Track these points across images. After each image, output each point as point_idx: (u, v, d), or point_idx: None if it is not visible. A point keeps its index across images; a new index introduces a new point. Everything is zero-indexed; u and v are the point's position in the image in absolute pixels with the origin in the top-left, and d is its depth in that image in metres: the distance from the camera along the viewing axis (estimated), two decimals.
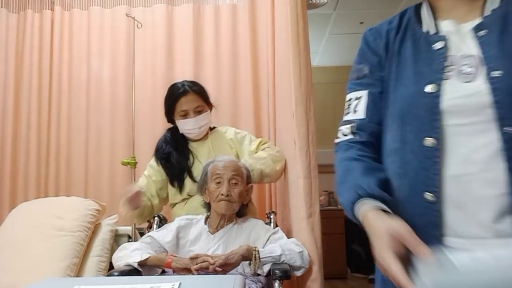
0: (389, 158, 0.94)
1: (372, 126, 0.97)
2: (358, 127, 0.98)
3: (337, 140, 1.02)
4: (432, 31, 0.92)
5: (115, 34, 2.93)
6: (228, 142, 2.14)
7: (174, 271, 1.61)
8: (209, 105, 2.13)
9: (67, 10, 2.98)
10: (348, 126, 0.99)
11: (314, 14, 3.90)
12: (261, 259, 1.61)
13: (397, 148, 0.91)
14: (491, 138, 0.80)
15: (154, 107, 2.75)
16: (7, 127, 2.83)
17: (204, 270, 1.55)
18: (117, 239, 2.31)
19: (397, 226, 0.78)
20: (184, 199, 2.08)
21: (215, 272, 1.54)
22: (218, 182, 1.77)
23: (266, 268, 1.63)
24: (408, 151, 0.89)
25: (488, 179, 0.80)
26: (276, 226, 1.99)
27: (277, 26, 2.54)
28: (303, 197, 1.88)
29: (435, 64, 0.88)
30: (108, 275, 1.74)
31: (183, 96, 2.03)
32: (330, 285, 4.36)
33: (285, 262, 1.65)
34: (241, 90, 2.83)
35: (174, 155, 2.09)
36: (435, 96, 0.85)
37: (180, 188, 2.06)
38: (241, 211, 1.84)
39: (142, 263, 1.61)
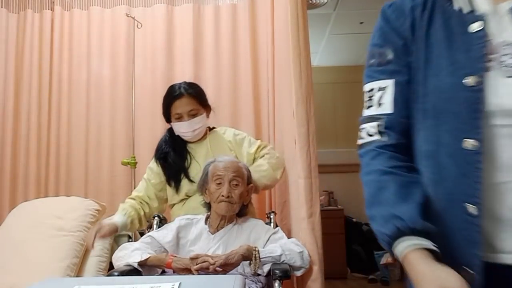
0: (422, 162, 0.82)
1: (402, 123, 0.83)
2: (387, 125, 0.83)
3: (360, 141, 0.87)
4: (466, 9, 0.78)
5: (115, 34, 2.93)
6: (226, 143, 2.13)
7: (174, 271, 1.61)
8: (206, 108, 2.11)
9: (67, 10, 2.98)
10: (374, 124, 0.84)
11: (314, 14, 3.90)
12: (261, 259, 1.61)
13: (431, 151, 0.79)
14: None
15: (154, 107, 2.75)
16: (7, 127, 2.83)
17: (204, 270, 1.55)
18: (117, 239, 2.31)
19: (451, 283, 0.65)
20: (182, 200, 2.08)
21: (215, 272, 1.54)
22: (219, 183, 1.77)
23: (266, 268, 1.63)
24: (444, 154, 0.77)
25: None
26: (276, 226, 1.99)
27: (277, 26, 2.54)
28: (304, 197, 1.87)
29: (473, 50, 0.74)
30: (108, 275, 1.74)
31: (177, 99, 2.03)
32: (330, 285, 4.36)
33: (285, 262, 1.65)
34: (241, 90, 2.83)
35: (172, 155, 2.09)
36: (477, 91, 0.73)
37: (177, 188, 2.06)
38: (241, 211, 1.84)
39: (142, 263, 1.61)
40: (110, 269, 1.90)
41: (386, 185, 0.79)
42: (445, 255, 0.71)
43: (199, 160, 2.07)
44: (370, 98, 0.87)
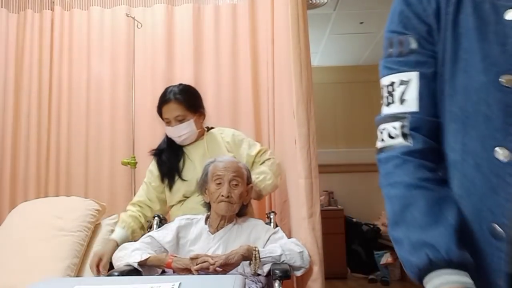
0: (448, 173, 0.72)
1: (430, 123, 0.72)
2: (412, 125, 0.71)
3: (380, 145, 0.75)
4: None
5: (115, 34, 2.93)
6: (224, 144, 2.13)
7: (174, 271, 1.61)
8: (197, 113, 2.08)
9: (67, 10, 2.98)
10: (397, 124, 0.72)
11: (314, 14, 3.90)
12: (261, 259, 1.61)
13: (456, 160, 0.70)
14: None
15: (154, 107, 2.73)
16: (7, 127, 2.83)
17: (204, 270, 1.55)
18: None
19: None
20: (180, 201, 2.09)
21: (215, 272, 1.54)
22: (219, 183, 1.77)
23: (266, 268, 1.63)
24: (471, 165, 0.67)
25: None
26: (276, 226, 1.99)
27: (277, 26, 2.54)
28: (304, 197, 1.87)
29: (509, 44, 0.64)
30: (108, 275, 1.74)
31: (165, 104, 2.03)
32: (330, 285, 4.36)
33: (285, 262, 1.65)
34: (241, 90, 2.83)
35: (167, 152, 2.10)
36: None
37: (170, 186, 2.07)
38: (241, 211, 1.84)
39: (142, 263, 1.61)
40: (110, 269, 1.90)
41: (414, 202, 0.67)
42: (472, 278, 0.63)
43: (195, 161, 2.07)
44: (390, 93, 0.74)
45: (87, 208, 2.24)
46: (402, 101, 0.73)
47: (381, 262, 4.60)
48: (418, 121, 0.71)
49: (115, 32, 2.93)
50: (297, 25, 1.98)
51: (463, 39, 0.69)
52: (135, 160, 2.60)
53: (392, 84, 0.75)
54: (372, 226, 4.96)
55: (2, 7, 2.90)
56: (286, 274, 1.58)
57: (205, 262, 1.55)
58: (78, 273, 2.09)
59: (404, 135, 0.71)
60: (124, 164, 2.61)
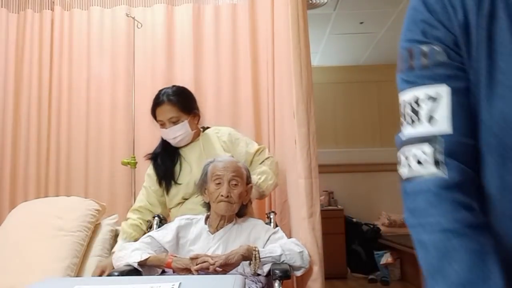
0: (483, 204, 0.63)
1: (466, 146, 0.62)
2: (447, 150, 0.61)
3: (407, 173, 0.64)
4: None
5: (115, 34, 2.93)
6: (221, 144, 2.12)
7: (174, 271, 1.61)
8: (190, 114, 2.07)
9: (67, 10, 2.98)
10: (427, 148, 0.61)
11: (314, 14, 3.90)
12: (261, 259, 1.61)
13: (494, 195, 0.61)
14: None
15: None
16: (7, 127, 2.83)
17: (204, 270, 1.55)
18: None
19: None
20: (179, 203, 2.08)
21: (215, 272, 1.54)
22: (218, 183, 1.77)
23: (266, 268, 1.63)
24: (509, 202, 0.60)
25: None
26: (276, 226, 1.99)
27: (277, 26, 2.54)
28: (304, 197, 1.88)
29: None
30: (108, 275, 1.74)
31: (158, 107, 2.02)
32: (330, 285, 4.36)
33: (285, 262, 1.65)
34: (241, 90, 2.83)
35: (162, 156, 2.10)
36: None
37: (167, 190, 2.07)
38: (241, 211, 1.84)
39: (142, 263, 1.61)
40: None
41: (455, 254, 0.58)
42: None
43: (192, 163, 2.07)
44: (415, 110, 0.64)
45: (87, 208, 2.24)
46: (430, 119, 0.62)
47: (381, 262, 4.60)
48: (452, 145, 0.61)
49: (115, 32, 2.93)
50: (297, 25, 1.98)
51: (499, 59, 0.60)
52: (135, 160, 2.60)
53: (416, 100, 0.64)
54: (372, 226, 4.96)
55: (2, 7, 2.90)
56: (286, 274, 1.58)
57: (205, 262, 1.55)
58: (78, 273, 2.09)
59: (437, 163, 0.61)
60: (124, 164, 2.61)
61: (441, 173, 0.60)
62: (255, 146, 2.16)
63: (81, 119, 2.88)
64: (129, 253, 1.66)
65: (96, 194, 2.71)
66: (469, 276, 0.56)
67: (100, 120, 2.87)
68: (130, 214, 2.10)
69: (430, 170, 0.61)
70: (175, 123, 2.02)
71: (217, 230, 1.78)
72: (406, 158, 0.64)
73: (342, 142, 5.45)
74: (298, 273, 1.74)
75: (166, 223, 1.98)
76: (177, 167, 2.08)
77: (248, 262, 1.62)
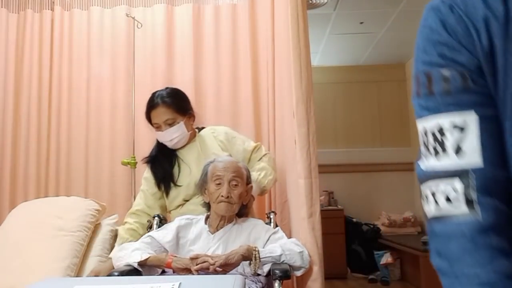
0: None
1: (500, 179, 0.55)
2: (480, 188, 0.55)
3: (434, 212, 0.58)
4: None
5: (115, 34, 2.93)
6: (218, 144, 2.12)
7: (174, 271, 1.61)
8: (186, 115, 2.06)
9: (67, 10, 2.98)
10: (458, 184, 0.56)
11: (314, 14, 3.90)
12: (261, 259, 1.61)
13: None
14: None
15: None
16: (7, 127, 2.83)
17: (204, 270, 1.55)
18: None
19: None
20: (179, 205, 2.08)
21: (215, 272, 1.54)
22: (218, 183, 1.77)
23: (266, 268, 1.63)
24: None
25: None
26: (276, 226, 1.99)
27: (277, 26, 2.54)
28: (304, 197, 1.88)
29: None
30: (108, 275, 1.74)
31: (153, 109, 2.02)
32: (330, 285, 4.36)
33: (285, 262, 1.65)
34: (241, 90, 2.83)
35: (159, 159, 2.09)
36: None
37: (167, 193, 2.06)
38: (241, 211, 1.84)
39: (142, 263, 1.61)
40: None
41: None
42: None
43: (191, 164, 2.06)
44: (439, 140, 0.58)
45: (87, 208, 2.24)
46: (458, 151, 0.56)
47: (381, 262, 4.60)
48: (484, 180, 0.55)
49: (115, 32, 2.93)
50: (297, 25, 1.98)
51: None
52: (135, 160, 2.60)
53: (440, 128, 0.58)
54: (372, 226, 4.96)
55: (2, 7, 2.91)
56: (286, 274, 1.58)
57: (205, 262, 1.55)
58: (78, 273, 2.09)
59: (469, 201, 0.55)
60: (124, 164, 2.61)
61: (475, 214, 0.55)
62: (252, 144, 2.17)
63: (81, 119, 2.88)
64: (129, 253, 1.66)
65: (96, 194, 2.71)
66: None
67: (100, 120, 2.87)
68: (127, 218, 2.09)
69: (462, 210, 0.55)
70: (171, 125, 2.01)
71: (217, 230, 1.78)
72: (433, 194, 0.58)
73: (342, 142, 5.45)
74: (298, 273, 1.74)
75: (166, 223, 1.98)
76: (176, 169, 2.07)
77: (248, 262, 1.62)
